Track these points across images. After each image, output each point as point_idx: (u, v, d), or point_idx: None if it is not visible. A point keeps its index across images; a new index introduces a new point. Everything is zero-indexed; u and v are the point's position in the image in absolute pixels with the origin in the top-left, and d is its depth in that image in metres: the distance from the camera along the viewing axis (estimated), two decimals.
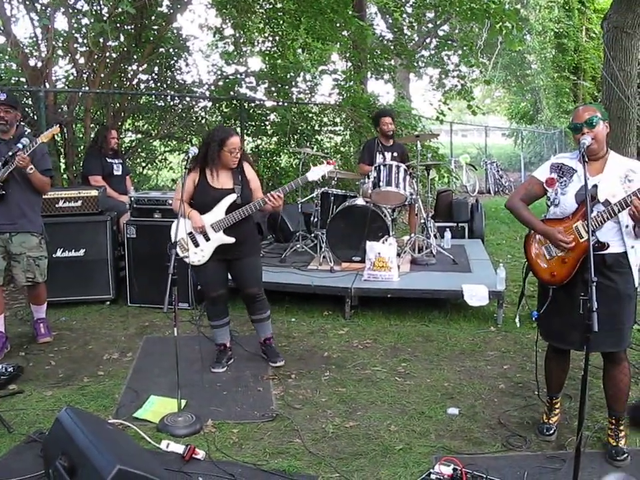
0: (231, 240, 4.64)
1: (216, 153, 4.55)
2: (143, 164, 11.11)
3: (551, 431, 3.80)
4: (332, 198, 7.20)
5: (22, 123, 5.37)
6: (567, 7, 24.85)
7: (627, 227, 3.33)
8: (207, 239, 4.65)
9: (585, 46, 25.61)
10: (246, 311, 5.13)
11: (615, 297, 3.37)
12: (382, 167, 6.92)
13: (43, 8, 8.37)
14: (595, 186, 3.29)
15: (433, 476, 3.28)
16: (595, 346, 3.10)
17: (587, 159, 3.24)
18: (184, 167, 4.34)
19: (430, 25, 17.98)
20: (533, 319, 3.64)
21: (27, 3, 8.31)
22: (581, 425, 2.95)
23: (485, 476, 3.21)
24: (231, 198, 4.62)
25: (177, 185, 4.68)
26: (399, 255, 6.72)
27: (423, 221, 7.49)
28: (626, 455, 3.49)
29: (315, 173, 4.80)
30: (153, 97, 11.07)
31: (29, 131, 6.62)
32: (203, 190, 4.63)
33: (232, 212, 4.60)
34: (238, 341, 5.36)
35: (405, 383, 4.65)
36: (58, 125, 5.35)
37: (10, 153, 4.81)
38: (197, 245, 4.66)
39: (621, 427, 3.60)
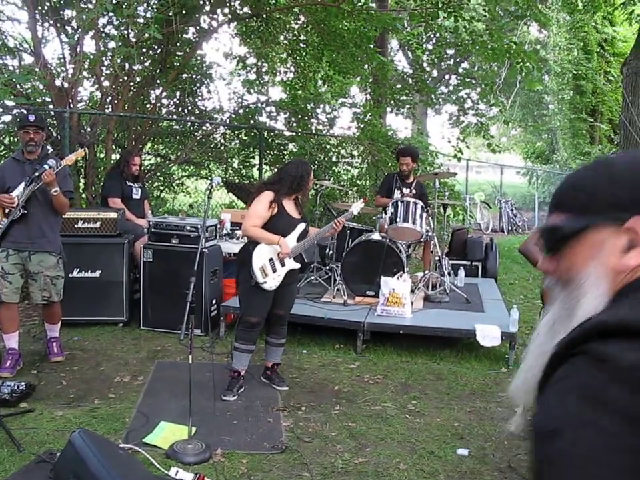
0: (298, 265, 4.99)
1: (305, 184, 4.95)
2: (161, 187, 11.20)
3: None
4: (348, 231, 7.23)
5: (45, 142, 5.45)
6: (586, 50, 24.99)
7: None
8: (283, 265, 4.88)
9: (603, 89, 25.70)
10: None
11: None
12: (399, 203, 6.96)
13: (73, 30, 8.53)
14: None
15: None
16: None
17: None
18: (207, 195, 4.40)
19: (449, 62, 18.14)
20: None
21: (58, 25, 8.48)
22: None
23: None
24: (302, 227, 5.00)
25: (251, 210, 4.88)
26: (412, 291, 6.73)
27: (437, 258, 7.50)
28: None
29: (356, 208, 5.43)
30: (174, 121, 11.21)
31: (51, 150, 6.71)
32: (282, 218, 4.89)
33: (301, 240, 4.95)
34: (249, 370, 5.37)
35: (415, 420, 4.64)
36: (83, 149, 5.41)
37: (36, 174, 4.87)
38: (274, 270, 4.84)
39: None
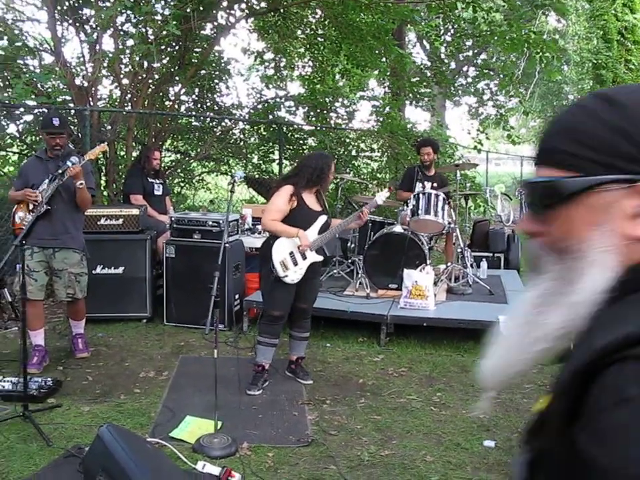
0: (320, 258, 4.99)
1: (325, 177, 4.92)
2: (181, 184, 11.24)
3: None
4: (370, 224, 7.21)
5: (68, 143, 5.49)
6: (605, 38, 24.74)
7: None
8: (304, 258, 4.88)
9: (624, 77, 25.43)
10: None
11: None
12: (421, 195, 6.92)
13: (92, 29, 8.58)
14: None
15: None
16: None
17: None
18: (229, 190, 4.41)
19: (468, 54, 18.03)
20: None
21: (77, 24, 8.52)
22: None
23: None
24: (323, 219, 4.98)
25: (270, 205, 4.88)
26: (435, 283, 6.70)
27: (459, 250, 7.46)
28: None
29: (381, 197, 5.39)
30: (193, 118, 11.24)
31: (73, 148, 6.76)
32: (303, 211, 4.88)
33: (322, 232, 4.93)
34: (273, 364, 5.37)
35: (440, 413, 4.62)
36: (105, 144, 5.43)
37: (60, 171, 4.90)
38: (295, 263, 4.84)
39: None
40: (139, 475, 2.84)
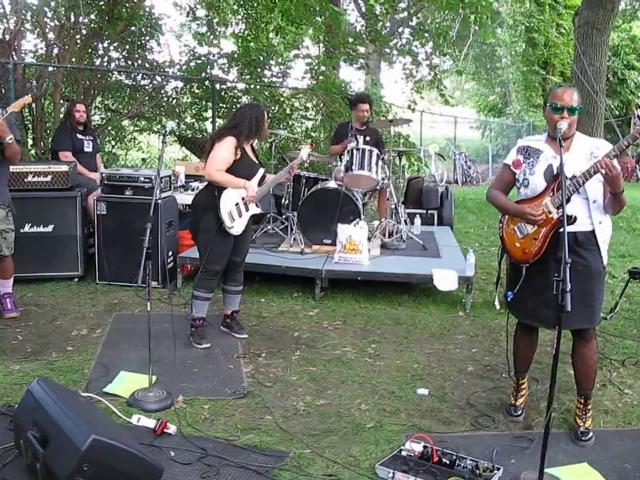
0: (259, 210, 5.02)
1: (262, 126, 4.86)
2: (112, 142, 10.96)
3: (519, 412, 3.87)
4: (304, 180, 7.20)
5: None
6: (538, 2, 25.03)
7: (594, 202, 3.44)
8: (247, 209, 4.88)
9: (555, 41, 25.84)
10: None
11: (586, 274, 3.45)
12: (355, 151, 6.93)
13: None
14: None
15: (403, 452, 3.31)
16: (567, 323, 3.13)
17: (562, 144, 3.29)
18: (162, 141, 4.32)
19: (402, 15, 17.97)
20: (508, 299, 3.68)
21: None
22: (552, 402, 3.00)
23: (455, 453, 3.25)
24: (262, 171, 4.97)
25: (215, 155, 4.74)
26: (369, 239, 6.74)
27: (393, 206, 7.51)
28: (591, 435, 3.57)
29: (305, 152, 5.40)
30: (123, 75, 10.93)
31: None
32: (247, 163, 4.86)
33: (260, 185, 4.93)
34: (208, 319, 5.33)
35: (374, 363, 4.68)
36: (30, 95, 5.23)
37: None
38: (240, 215, 4.84)
39: (589, 407, 3.68)
40: (71, 426, 2.79)
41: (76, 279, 6.53)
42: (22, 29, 8.16)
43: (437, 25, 16.82)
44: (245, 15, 12.94)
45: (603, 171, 3.21)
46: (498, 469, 3.16)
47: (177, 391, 4.09)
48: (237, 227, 4.81)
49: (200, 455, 3.32)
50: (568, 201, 3.28)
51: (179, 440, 3.49)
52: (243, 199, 4.83)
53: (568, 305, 2.82)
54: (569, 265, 2.86)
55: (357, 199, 6.87)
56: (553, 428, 3.55)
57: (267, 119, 5.04)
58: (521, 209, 3.51)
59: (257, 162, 5.00)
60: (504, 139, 28.66)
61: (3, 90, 7.98)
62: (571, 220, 3.33)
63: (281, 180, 5.35)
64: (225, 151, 4.73)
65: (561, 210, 3.22)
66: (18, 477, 3.02)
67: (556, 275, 2.93)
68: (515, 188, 3.76)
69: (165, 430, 3.53)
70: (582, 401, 3.70)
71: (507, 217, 3.70)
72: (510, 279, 3.75)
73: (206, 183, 5.01)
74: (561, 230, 3.05)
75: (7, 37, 8.23)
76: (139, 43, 10.63)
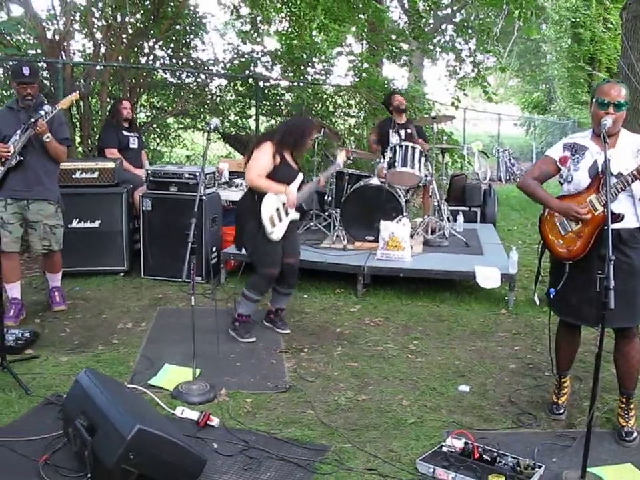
0: (298, 215, 5.04)
1: (304, 143, 5.01)
2: (157, 139, 11.12)
3: (561, 410, 3.83)
4: (347, 177, 7.21)
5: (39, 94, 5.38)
6: None
7: None
8: (287, 214, 4.90)
9: (602, 36, 25.43)
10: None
11: (630, 272, 3.41)
12: (397, 148, 6.93)
13: None
14: (608, 160, 3.30)
15: (444, 449, 3.31)
16: (610, 322, 3.10)
17: (607, 140, 3.25)
18: (206, 138, 4.38)
19: (446, 11, 17.89)
20: (550, 296, 3.65)
21: None
22: (594, 401, 2.98)
23: (496, 450, 3.24)
24: (300, 178, 4.98)
25: (256, 163, 4.83)
26: (411, 236, 6.73)
27: (436, 203, 7.48)
28: (635, 435, 3.52)
29: (341, 159, 5.52)
30: (168, 73, 11.08)
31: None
32: (286, 170, 4.89)
33: (299, 191, 4.96)
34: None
35: (416, 360, 4.68)
36: (77, 92, 5.34)
37: (32, 120, 4.82)
38: (280, 220, 4.87)
39: (632, 407, 3.63)
40: (118, 417, 2.86)
41: (121, 274, 6.64)
42: (71, 29, 8.31)
43: (481, 22, 16.65)
44: (288, 13, 13.01)
45: None
46: (539, 467, 3.14)
47: (220, 384, 4.14)
48: (277, 232, 4.82)
49: (242, 447, 3.36)
50: (614, 198, 3.25)
51: (221, 432, 3.54)
52: (283, 204, 4.86)
53: (611, 303, 2.79)
54: (612, 262, 2.83)
55: (399, 196, 6.85)
56: (596, 427, 3.51)
57: (313, 137, 5.22)
58: (566, 207, 3.47)
59: (296, 168, 5.03)
60: (548, 136, 28.30)
61: (52, 89, 8.15)
62: (619, 218, 3.30)
63: (319, 186, 5.47)
64: (264, 157, 4.79)
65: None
66: (67, 463, 3.11)
67: (599, 272, 2.90)
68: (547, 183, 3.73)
69: (208, 422, 3.58)
70: (624, 400, 3.65)
71: (546, 212, 3.67)
72: (552, 276, 3.72)
73: (247, 188, 5.08)
74: (606, 227, 3.01)
75: (57, 38, 8.39)
76: (184, 41, 10.77)
